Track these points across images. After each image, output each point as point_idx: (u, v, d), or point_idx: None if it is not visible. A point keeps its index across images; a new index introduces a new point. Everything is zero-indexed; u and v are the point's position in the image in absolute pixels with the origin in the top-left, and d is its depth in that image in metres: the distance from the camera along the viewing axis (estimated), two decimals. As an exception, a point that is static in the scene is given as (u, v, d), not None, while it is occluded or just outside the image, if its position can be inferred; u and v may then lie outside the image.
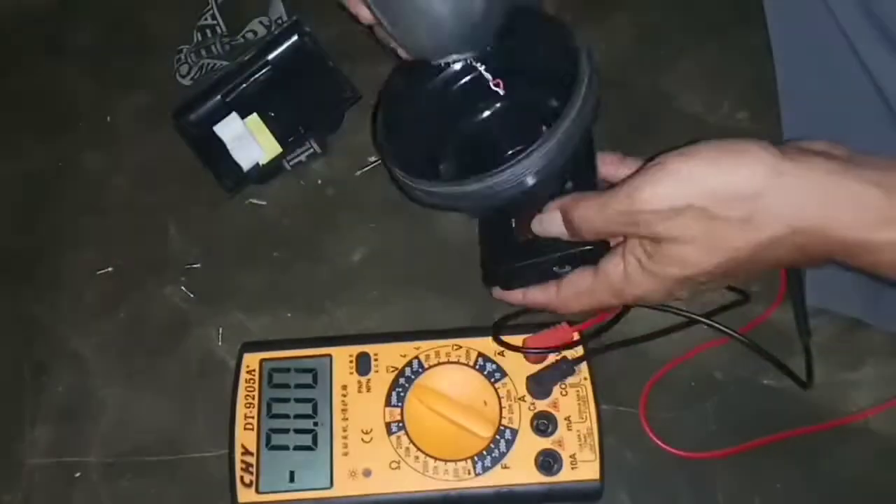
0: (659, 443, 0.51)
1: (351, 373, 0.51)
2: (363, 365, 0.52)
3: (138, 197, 0.61)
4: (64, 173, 0.62)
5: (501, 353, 0.51)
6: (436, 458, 0.49)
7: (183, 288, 0.58)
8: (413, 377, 0.51)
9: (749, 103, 0.60)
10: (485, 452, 0.49)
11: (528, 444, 0.49)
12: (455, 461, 0.49)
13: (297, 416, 0.50)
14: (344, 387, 0.51)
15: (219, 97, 0.60)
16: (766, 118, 0.59)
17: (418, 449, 0.49)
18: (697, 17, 0.63)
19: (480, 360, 0.51)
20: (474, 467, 0.49)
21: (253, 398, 0.51)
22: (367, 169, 0.61)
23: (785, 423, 0.51)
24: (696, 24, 0.63)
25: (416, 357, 0.52)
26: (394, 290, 0.57)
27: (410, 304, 0.56)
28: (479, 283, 0.56)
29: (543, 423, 0.49)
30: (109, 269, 0.59)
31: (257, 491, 0.49)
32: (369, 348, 0.52)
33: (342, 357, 0.52)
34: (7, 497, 0.52)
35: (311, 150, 0.60)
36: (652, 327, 0.52)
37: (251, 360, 0.52)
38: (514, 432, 0.49)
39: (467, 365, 0.51)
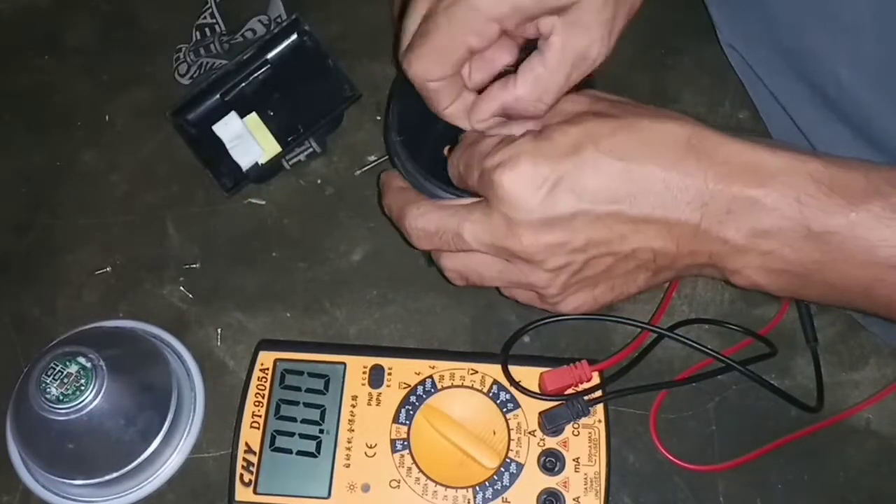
0: (666, 454, 0.51)
1: (363, 384, 0.51)
2: (376, 377, 0.51)
3: (136, 196, 0.61)
4: (62, 172, 0.62)
5: (517, 383, 0.50)
6: (437, 483, 0.48)
7: (182, 288, 0.58)
8: (424, 397, 0.51)
9: (751, 103, 0.60)
10: (487, 483, 0.48)
11: (533, 481, 0.48)
12: (456, 488, 0.48)
13: (304, 421, 0.50)
14: (354, 397, 0.51)
15: (217, 96, 0.59)
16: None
17: (420, 471, 0.49)
18: (697, 17, 0.62)
19: (495, 387, 0.51)
20: (475, 497, 0.48)
21: (262, 397, 0.51)
22: (366, 168, 0.60)
23: (787, 423, 0.51)
24: (696, 23, 0.63)
25: (430, 377, 0.51)
26: (393, 290, 0.57)
27: (410, 304, 0.56)
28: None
29: (551, 462, 0.49)
30: (108, 268, 0.58)
31: (255, 491, 0.49)
32: (384, 361, 0.52)
33: (356, 367, 0.52)
34: (6, 497, 0.52)
35: (311, 150, 0.60)
36: (671, 371, 0.52)
37: (266, 358, 0.52)
38: (520, 467, 0.49)
39: (481, 391, 0.51)
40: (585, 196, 0.41)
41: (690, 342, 0.51)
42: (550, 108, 0.45)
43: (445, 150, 0.56)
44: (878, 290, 0.41)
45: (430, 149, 0.57)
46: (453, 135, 0.57)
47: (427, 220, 0.47)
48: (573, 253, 0.43)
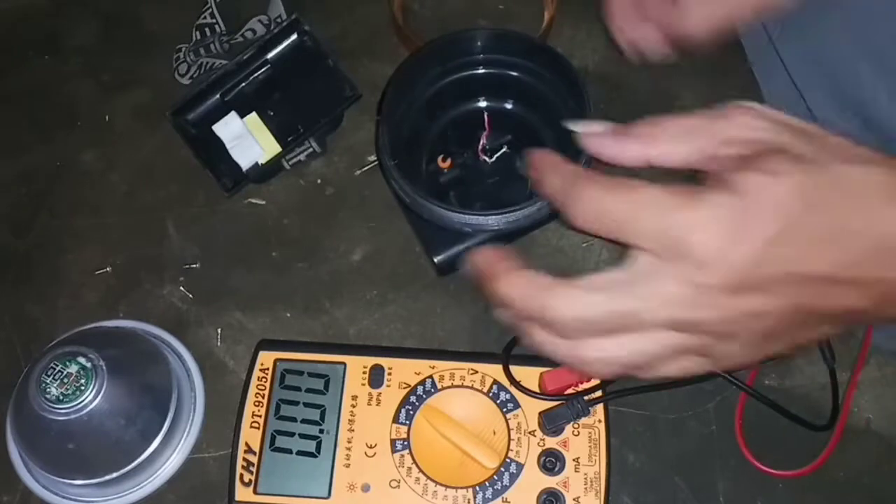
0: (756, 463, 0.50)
1: (363, 384, 0.51)
2: (376, 377, 0.51)
3: (137, 196, 0.61)
4: (62, 173, 0.62)
5: (518, 383, 0.50)
6: (437, 483, 0.48)
7: (182, 288, 0.58)
8: (424, 397, 0.51)
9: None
10: (487, 483, 0.48)
11: (533, 481, 0.48)
12: (456, 488, 0.48)
13: (304, 421, 0.50)
14: (354, 397, 0.51)
15: (217, 96, 0.60)
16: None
17: (420, 471, 0.49)
18: (698, 17, 0.62)
19: (495, 387, 0.51)
20: (475, 497, 0.48)
21: (262, 397, 0.51)
22: (366, 168, 0.60)
23: (787, 423, 0.51)
24: (696, 23, 0.63)
25: (430, 377, 0.51)
26: (393, 290, 0.57)
27: (410, 304, 0.56)
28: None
29: (551, 461, 0.49)
30: (108, 268, 0.58)
31: (255, 491, 0.49)
32: (384, 361, 0.52)
33: (356, 367, 0.52)
34: (6, 497, 0.52)
35: (311, 150, 0.60)
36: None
37: (266, 358, 0.52)
38: (520, 467, 0.49)
39: (481, 391, 0.51)
40: (790, 258, 0.36)
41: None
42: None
43: (439, 160, 0.56)
44: None
45: (424, 163, 0.57)
46: (443, 147, 0.57)
47: (592, 296, 0.37)
48: (775, 318, 0.37)
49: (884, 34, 0.48)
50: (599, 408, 0.50)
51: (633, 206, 0.37)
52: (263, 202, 0.60)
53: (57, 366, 0.47)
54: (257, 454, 0.50)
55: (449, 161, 0.57)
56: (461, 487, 0.48)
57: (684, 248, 0.35)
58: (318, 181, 0.61)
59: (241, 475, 0.49)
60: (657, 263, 0.36)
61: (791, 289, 0.36)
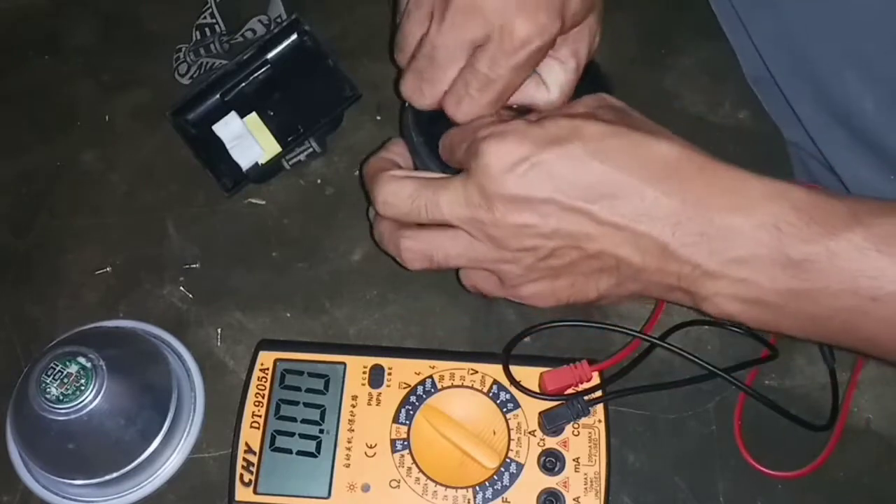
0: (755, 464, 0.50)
1: (363, 384, 0.51)
2: (376, 377, 0.51)
3: (136, 196, 0.61)
4: (62, 173, 0.62)
5: (518, 383, 0.50)
6: (437, 483, 0.48)
7: (182, 288, 0.58)
8: (424, 397, 0.51)
9: (750, 102, 0.60)
10: (487, 483, 0.48)
11: (533, 481, 0.48)
12: (456, 488, 0.48)
13: (304, 421, 0.50)
14: (354, 397, 0.51)
15: (217, 96, 0.59)
16: (768, 117, 0.59)
17: (420, 471, 0.49)
18: (698, 17, 0.62)
19: (495, 387, 0.51)
20: (475, 497, 0.48)
21: (262, 397, 0.51)
22: (366, 168, 0.60)
23: (787, 423, 0.51)
24: (696, 23, 0.63)
25: (430, 377, 0.51)
26: (394, 290, 0.57)
27: (410, 304, 0.56)
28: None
29: (551, 461, 0.49)
30: (108, 269, 0.58)
31: (255, 491, 0.49)
32: (384, 361, 0.52)
33: (356, 367, 0.52)
34: (6, 497, 0.52)
35: (311, 150, 0.60)
36: (672, 371, 0.52)
37: (266, 358, 0.52)
38: (520, 467, 0.49)
39: (481, 391, 0.51)
40: (560, 186, 0.41)
41: (685, 354, 0.50)
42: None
43: None
44: (859, 324, 0.40)
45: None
46: None
47: (403, 184, 0.46)
48: (540, 237, 0.43)
49: (869, 42, 0.48)
50: (599, 408, 0.50)
51: (465, 131, 0.45)
52: (263, 202, 0.60)
53: (57, 366, 0.47)
54: (257, 454, 0.50)
55: None
56: (461, 487, 0.48)
57: (479, 155, 0.42)
58: (318, 181, 0.61)
59: (241, 475, 0.49)
60: (466, 173, 0.44)
61: (555, 212, 0.42)
